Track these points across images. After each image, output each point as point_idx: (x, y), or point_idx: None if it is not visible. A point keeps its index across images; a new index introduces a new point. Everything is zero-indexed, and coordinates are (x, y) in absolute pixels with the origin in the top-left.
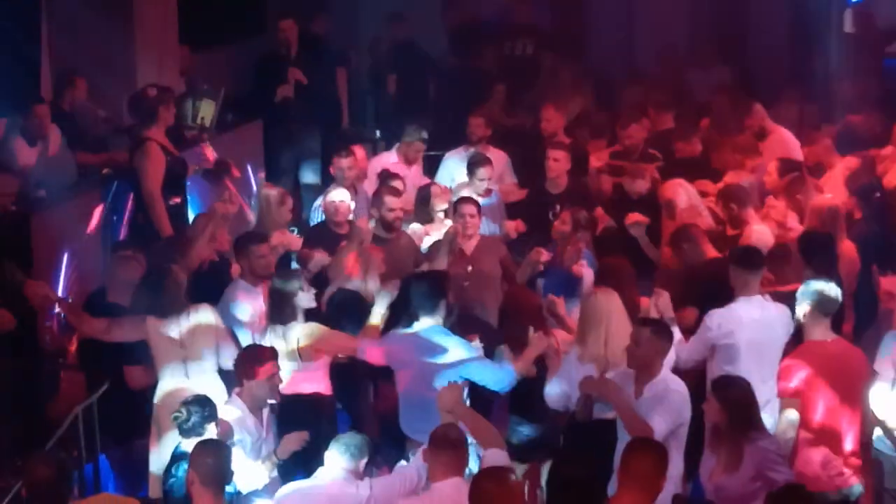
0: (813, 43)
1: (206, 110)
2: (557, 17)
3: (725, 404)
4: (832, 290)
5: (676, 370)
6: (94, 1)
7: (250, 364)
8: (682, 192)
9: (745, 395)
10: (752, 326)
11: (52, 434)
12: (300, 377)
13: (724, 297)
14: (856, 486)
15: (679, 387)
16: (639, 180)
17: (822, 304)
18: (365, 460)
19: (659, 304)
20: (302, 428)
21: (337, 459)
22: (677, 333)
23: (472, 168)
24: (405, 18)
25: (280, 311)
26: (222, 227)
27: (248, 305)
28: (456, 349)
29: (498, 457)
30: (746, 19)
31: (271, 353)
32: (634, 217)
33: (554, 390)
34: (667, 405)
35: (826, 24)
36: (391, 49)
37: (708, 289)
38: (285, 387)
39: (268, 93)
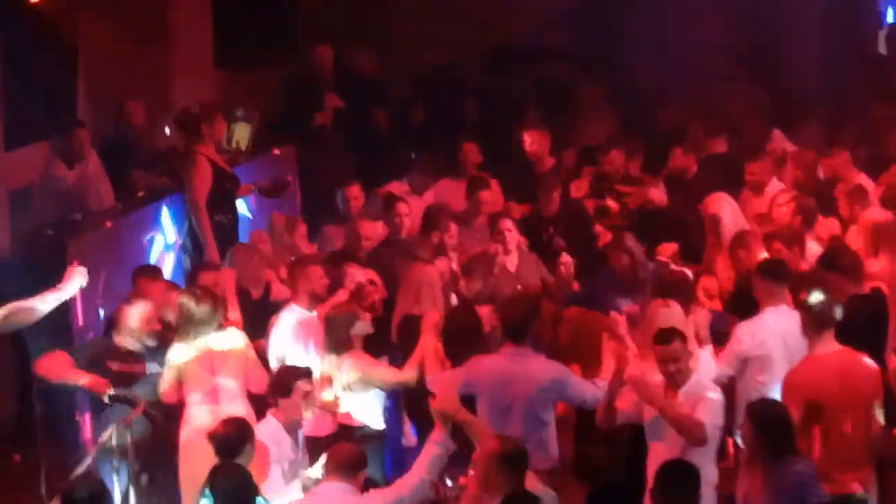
0: (847, 64)
1: (241, 134)
2: (591, 39)
3: (761, 427)
4: (826, 301)
5: None
6: (130, 26)
7: (284, 383)
8: (727, 207)
9: (780, 418)
10: (782, 335)
11: None
12: (352, 408)
13: None
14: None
15: (714, 391)
16: (652, 189)
17: (817, 316)
18: (363, 473)
19: (698, 320)
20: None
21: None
22: (710, 350)
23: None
24: (438, 43)
25: (335, 339)
26: (260, 263)
27: (302, 331)
28: (547, 369)
29: None
30: (780, 40)
31: (305, 372)
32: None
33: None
34: (706, 404)
35: (860, 46)
36: (421, 74)
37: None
38: (336, 417)
39: (302, 117)
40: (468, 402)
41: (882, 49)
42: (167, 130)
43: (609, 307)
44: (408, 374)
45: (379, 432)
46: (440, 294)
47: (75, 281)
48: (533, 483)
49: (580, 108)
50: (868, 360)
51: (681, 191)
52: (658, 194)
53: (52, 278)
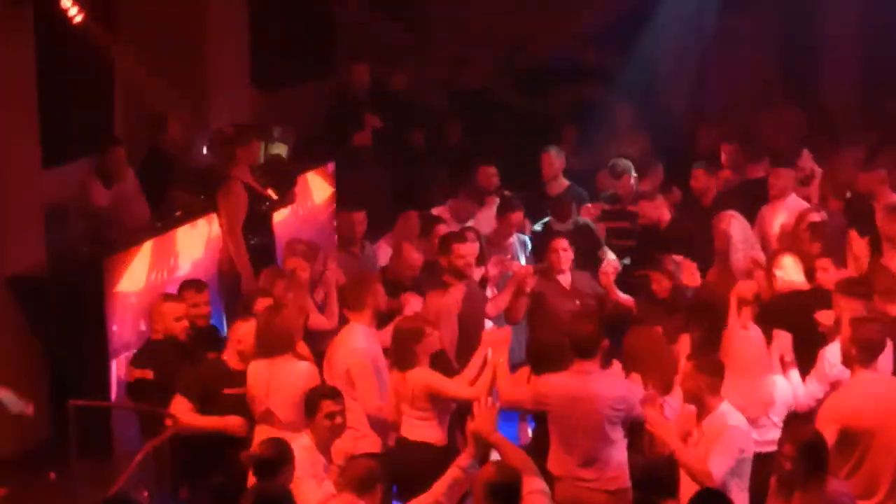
0: (884, 85)
1: (278, 153)
2: (626, 60)
3: (802, 450)
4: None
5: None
6: (167, 45)
7: (311, 402)
8: (736, 224)
9: (819, 440)
10: None
11: None
12: (416, 424)
13: (806, 327)
14: None
15: (738, 421)
16: (657, 205)
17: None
18: (379, 488)
19: (781, 343)
20: (406, 474)
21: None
22: (796, 376)
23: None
24: (472, 63)
25: (401, 352)
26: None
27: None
28: (616, 386)
29: (537, 485)
30: (817, 63)
31: (331, 393)
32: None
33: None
34: (724, 443)
35: None
36: (457, 95)
37: (790, 318)
38: (402, 429)
39: (340, 136)
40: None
41: None
42: (204, 150)
43: None
44: (477, 391)
45: (442, 448)
46: (454, 321)
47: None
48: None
49: (615, 129)
50: None
51: (698, 210)
52: (658, 212)
53: (87, 296)
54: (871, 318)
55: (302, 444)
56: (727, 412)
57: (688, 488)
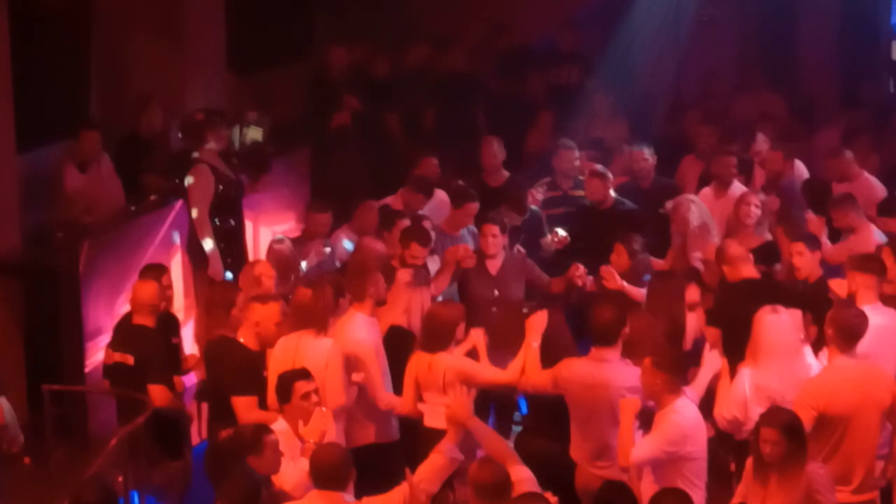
0: (861, 72)
1: (254, 136)
2: (605, 44)
3: (784, 433)
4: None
5: None
6: (144, 27)
7: (285, 386)
8: (695, 210)
9: (798, 422)
10: (874, 332)
11: None
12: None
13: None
14: None
15: (682, 418)
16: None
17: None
18: (351, 477)
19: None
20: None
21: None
22: (810, 353)
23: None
24: (451, 46)
25: (436, 336)
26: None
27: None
28: (633, 374)
29: (524, 474)
30: (794, 46)
31: (303, 374)
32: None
33: (731, 412)
34: (656, 432)
35: (874, 52)
36: (433, 78)
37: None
38: (427, 419)
39: (318, 120)
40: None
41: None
42: (179, 134)
43: None
44: (510, 375)
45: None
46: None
47: None
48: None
49: (594, 113)
50: (887, 371)
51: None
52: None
53: (62, 281)
54: (851, 304)
55: (279, 429)
56: (679, 408)
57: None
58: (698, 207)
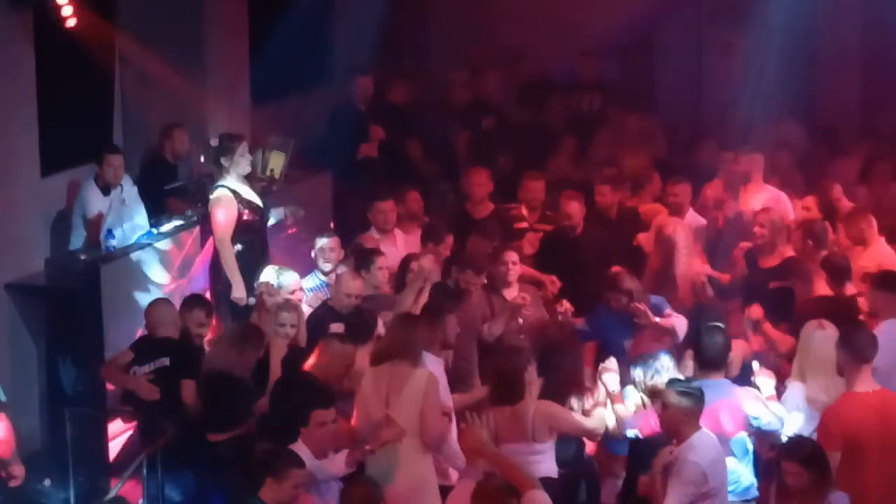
0: (881, 101)
1: (276, 162)
2: (626, 72)
3: (805, 465)
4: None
5: None
6: (167, 54)
7: (303, 412)
8: (681, 232)
9: (821, 451)
10: (888, 348)
11: None
12: (531, 460)
13: None
14: None
15: (698, 457)
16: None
17: (854, 350)
18: None
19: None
20: None
21: None
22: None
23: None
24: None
25: (510, 388)
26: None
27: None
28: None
29: (540, 498)
30: (814, 74)
31: (324, 401)
32: None
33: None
34: (680, 479)
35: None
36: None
37: None
38: None
39: (345, 148)
40: None
41: None
42: (202, 159)
43: (612, 345)
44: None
45: (558, 479)
46: None
47: None
48: None
49: (622, 140)
50: None
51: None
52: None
53: (84, 304)
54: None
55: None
56: (695, 446)
57: None
58: (683, 229)
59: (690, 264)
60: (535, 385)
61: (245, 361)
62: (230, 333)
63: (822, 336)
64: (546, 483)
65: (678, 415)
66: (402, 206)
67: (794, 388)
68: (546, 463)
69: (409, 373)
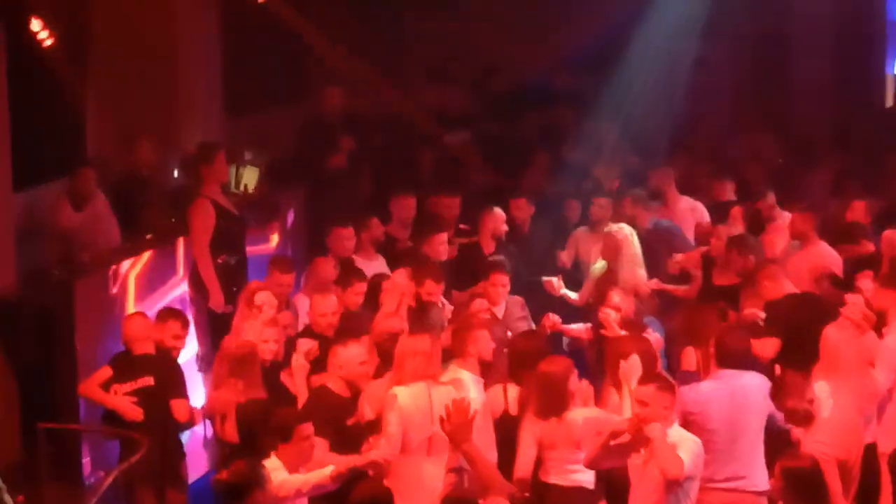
0: (854, 114)
1: (250, 177)
2: (600, 84)
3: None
4: None
5: None
6: (139, 68)
7: (285, 426)
8: (629, 241)
9: (812, 471)
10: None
11: None
12: (571, 469)
13: None
14: None
15: (692, 442)
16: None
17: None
18: None
19: None
20: None
21: None
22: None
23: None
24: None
25: (554, 400)
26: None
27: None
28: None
29: None
30: (788, 87)
31: (304, 417)
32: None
33: None
34: (687, 447)
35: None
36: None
37: None
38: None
39: (313, 160)
40: None
41: (889, 102)
42: (175, 173)
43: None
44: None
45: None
46: None
47: None
48: None
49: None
50: None
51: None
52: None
53: (57, 319)
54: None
55: (272, 467)
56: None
57: None
58: (634, 239)
59: (635, 272)
60: (580, 393)
61: None
62: None
63: (841, 337)
64: (578, 492)
65: (661, 408)
66: (366, 233)
67: (821, 389)
68: (585, 472)
69: (444, 391)
